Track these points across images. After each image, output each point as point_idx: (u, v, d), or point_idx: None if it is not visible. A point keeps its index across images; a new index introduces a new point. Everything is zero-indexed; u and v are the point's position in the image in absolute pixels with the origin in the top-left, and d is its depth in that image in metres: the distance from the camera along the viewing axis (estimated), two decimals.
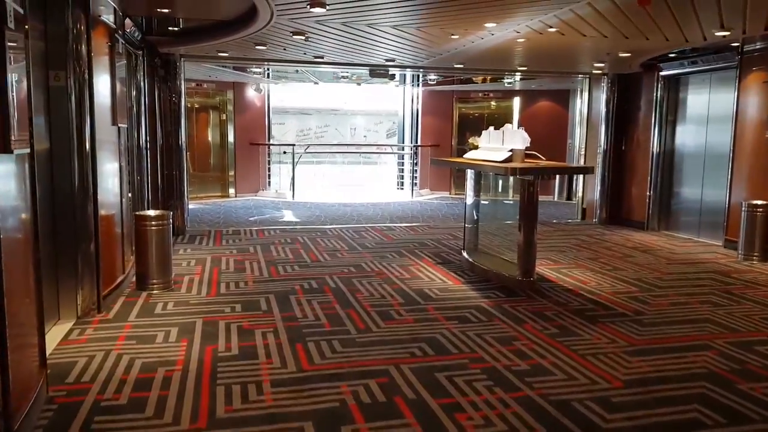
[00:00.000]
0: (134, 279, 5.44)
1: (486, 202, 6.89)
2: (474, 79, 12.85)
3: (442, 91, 13.83)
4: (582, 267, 6.52)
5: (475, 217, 6.75)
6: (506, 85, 12.49)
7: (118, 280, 5.21)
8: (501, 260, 6.17)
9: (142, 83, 7.39)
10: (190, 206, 11.21)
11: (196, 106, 12.57)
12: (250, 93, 12.90)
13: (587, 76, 10.04)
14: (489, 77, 12.77)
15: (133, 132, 7.22)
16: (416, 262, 6.64)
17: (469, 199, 6.73)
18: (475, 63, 8.60)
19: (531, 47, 7.05)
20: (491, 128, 6.46)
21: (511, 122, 13.94)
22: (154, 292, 5.26)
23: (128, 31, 6.45)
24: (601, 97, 9.78)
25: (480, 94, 13.97)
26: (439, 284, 5.65)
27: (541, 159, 5.93)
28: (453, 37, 6.31)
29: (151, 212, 5.42)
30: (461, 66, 8.70)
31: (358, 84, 12.40)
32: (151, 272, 5.28)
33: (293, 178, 12.60)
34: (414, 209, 11.52)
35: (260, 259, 6.68)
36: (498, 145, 6.02)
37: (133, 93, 7.28)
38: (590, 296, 5.30)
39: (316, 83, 12.36)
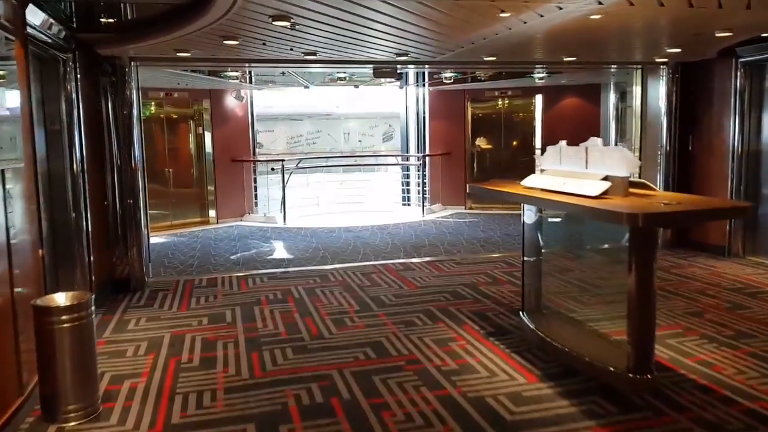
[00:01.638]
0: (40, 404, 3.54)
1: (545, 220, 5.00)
2: (483, 76, 10.98)
3: (452, 91, 11.96)
4: (691, 333, 4.65)
5: (538, 270, 4.83)
6: (537, 81, 10.59)
7: (12, 407, 3.31)
8: (589, 333, 4.30)
9: (73, 94, 5.50)
10: (161, 240, 9.33)
11: (172, 116, 10.64)
12: (231, 101, 10.98)
13: (639, 66, 8.18)
14: (504, 72, 10.93)
15: (59, 156, 5.40)
16: (457, 331, 4.76)
17: (528, 249, 4.81)
18: (511, 54, 6.73)
19: (594, 30, 5.20)
20: (562, 144, 4.62)
21: (533, 122, 12.11)
22: (70, 424, 3.36)
23: (44, 27, 4.58)
24: (660, 90, 7.93)
25: (496, 92, 12.10)
26: (506, 383, 3.77)
27: (653, 189, 4.04)
28: (502, 15, 4.44)
29: (61, 298, 3.50)
30: (492, 58, 6.82)
31: (356, 87, 10.51)
32: (63, 394, 3.38)
33: (284, 200, 10.69)
34: (429, 233, 9.64)
35: (239, 336, 4.78)
36: (578, 168, 4.16)
37: (63, 107, 5.44)
38: (747, 402, 3.44)
39: (306, 87, 10.45)
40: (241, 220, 11.08)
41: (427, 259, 7.61)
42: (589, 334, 4.35)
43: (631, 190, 3.83)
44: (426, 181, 11.67)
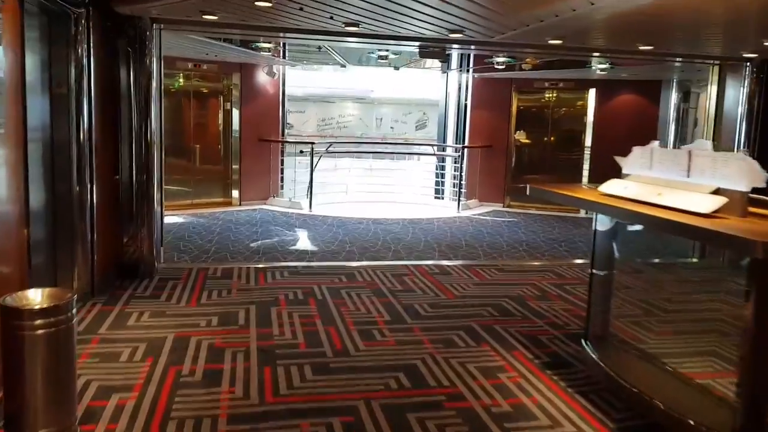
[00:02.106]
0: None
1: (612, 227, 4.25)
2: (525, 64, 10.11)
3: (498, 79, 11.12)
4: None
5: (608, 289, 4.07)
6: (598, 72, 9.66)
7: None
8: (669, 375, 3.55)
9: (84, 56, 4.89)
10: (179, 220, 8.76)
11: (200, 89, 10.04)
12: (262, 77, 10.32)
13: (716, 62, 7.28)
14: (559, 59, 10.06)
15: (66, 125, 4.83)
16: (506, 359, 4.04)
17: (599, 261, 4.05)
18: (579, 38, 5.90)
19: (672, 15, 4.38)
20: (654, 144, 3.86)
21: (584, 119, 11.22)
22: None
23: None
24: (740, 90, 7.02)
25: (546, 84, 11.22)
26: None
27: None
28: None
29: (37, 297, 2.87)
30: (558, 42, 5.99)
31: (396, 68, 9.73)
32: (32, 413, 2.77)
33: (311, 186, 10.03)
34: (466, 231, 8.89)
35: (251, 344, 4.13)
36: (677, 176, 3.37)
37: (72, 70, 4.84)
38: None
39: (343, 66, 9.71)
40: (265, 204, 10.47)
41: (465, 262, 6.88)
42: (669, 376, 3.60)
43: (753, 210, 3.03)
44: (463, 174, 10.88)
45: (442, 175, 12.36)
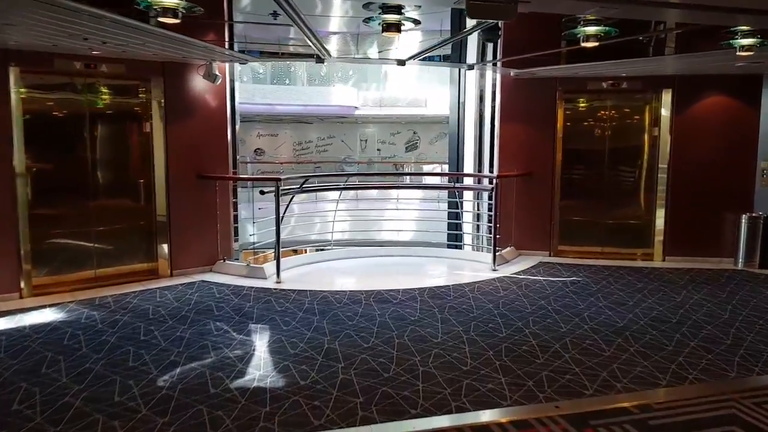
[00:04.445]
0: None
1: None
2: (583, 48, 6.98)
3: (536, 80, 7.96)
4: None
5: None
6: (740, 53, 6.36)
7: None
8: None
9: None
10: (58, 316, 5.16)
11: (103, 103, 6.65)
12: (198, 83, 7.01)
13: None
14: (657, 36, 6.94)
15: None
16: None
17: None
18: None
19: None
20: None
21: (656, 130, 8.07)
22: None
23: None
24: None
25: (604, 84, 8.06)
26: None
27: None
28: None
29: None
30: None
31: (402, 63, 6.41)
32: None
33: (278, 243, 6.66)
34: (519, 310, 5.58)
35: None
36: None
37: None
38: None
39: (320, 60, 6.34)
40: (210, 271, 7.09)
41: (567, 410, 3.56)
42: None
43: None
44: (495, 215, 7.60)
45: (458, 215, 9.09)
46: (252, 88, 17.28)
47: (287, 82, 18.45)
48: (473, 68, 7.18)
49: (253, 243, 7.94)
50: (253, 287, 6.41)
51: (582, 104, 8.37)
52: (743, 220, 7.64)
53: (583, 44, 5.56)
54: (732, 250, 7.80)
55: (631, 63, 6.90)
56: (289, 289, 6.31)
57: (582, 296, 6.18)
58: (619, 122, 8.33)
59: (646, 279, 6.98)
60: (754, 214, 7.61)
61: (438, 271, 7.45)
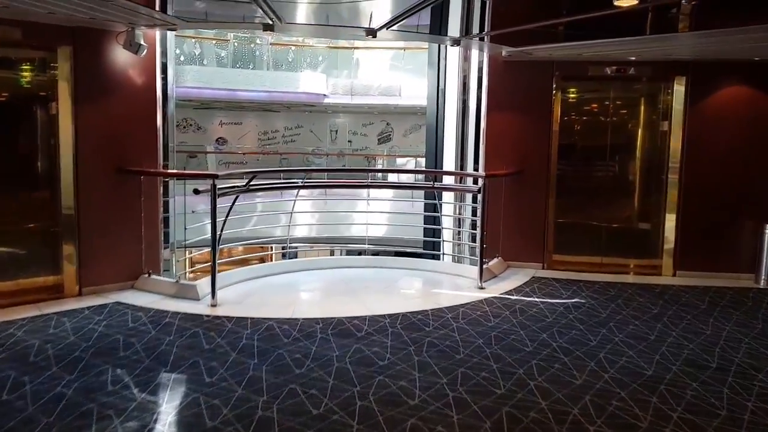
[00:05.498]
0: None
1: None
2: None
3: (530, 63, 6.75)
4: None
5: None
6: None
7: None
8: None
9: None
10: None
11: None
12: (120, 55, 5.60)
13: None
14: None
15: None
16: None
17: None
18: None
19: None
20: None
21: (666, 123, 6.95)
22: None
23: None
24: None
25: (609, 70, 6.88)
26: None
27: None
28: None
29: None
30: None
31: (372, 34, 5.08)
32: None
33: (214, 257, 5.31)
34: (518, 349, 4.36)
35: None
36: None
37: None
38: None
39: (269, 28, 4.97)
40: (131, 288, 5.72)
41: None
42: None
43: None
44: (482, 221, 6.36)
45: (435, 220, 7.85)
46: (212, 71, 15.78)
47: (252, 66, 16.95)
48: (458, 44, 5.93)
49: (186, 242, 6.58)
50: (179, 313, 5.06)
51: (583, 93, 7.20)
52: (767, 231, 6.58)
53: (617, 2, 4.35)
54: (752, 265, 6.73)
55: (646, 42, 5.71)
56: (225, 316, 4.98)
57: (591, 327, 5.00)
58: (624, 114, 7.20)
59: (660, 301, 5.85)
60: None
61: (414, 289, 6.21)
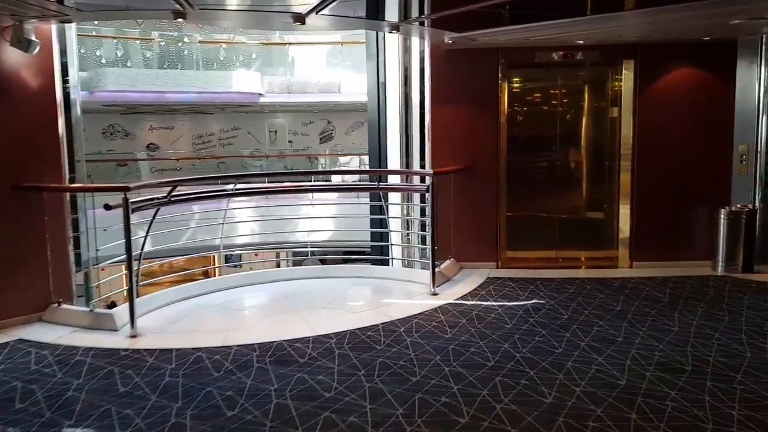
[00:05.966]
0: None
1: None
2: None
3: (475, 50, 6.36)
4: None
5: None
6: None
7: None
8: None
9: None
10: None
11: None
12: (8, 53, 4.83)
13: None
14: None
15: None
16: None
17: None
18: None
19: None
20: None
21: (616, 110, 6.71)
22: None
23: None
24: None
25: (555, 56, 6.56)
26: None
27: None
28: None
29: None
30: None
31: (300, 20, 4.51)
32: None
33: (132, 281, 4.64)
34: (478, 374, 3.91)
35: None
36: None
37: None
38: None
39: (181, 15, 4.33)
40: (40, 320, 4.97)
41: None
42: None
43: None
44: (432, 222, 5.90)
45: (382, 222, 7.37)
46: (136, 73, 14.76)
47: (180, 67, 16.00)
48: (397, 30, 5.45)
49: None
50: (93, 348, 4.37)
51: (530, 81, 6.87)
52: (722, 216, 6.41)
53: None
54: (708, 252, 6.56)
55: (593, 22, 5.38)
56: (145, 349, 4.32)
57: (554, 332, 4.62)
58: (573, 101, 6.92)
59: (621, 297, 5.56)
60: (734, 208, 6.39)
61: (363, 301, 5.69)
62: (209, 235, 10.87)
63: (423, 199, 6.58)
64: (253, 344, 4.32)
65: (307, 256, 13.72)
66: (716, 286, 5.89)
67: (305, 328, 4.63)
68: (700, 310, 5.12)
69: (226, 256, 14.06)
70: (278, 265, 12.62)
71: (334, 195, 8.91)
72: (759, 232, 6.36)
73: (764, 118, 6.39)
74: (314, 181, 11.08)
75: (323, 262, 13.89)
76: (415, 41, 6.72)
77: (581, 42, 6.28)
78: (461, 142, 6.60)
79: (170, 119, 17.81)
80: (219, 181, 8.63)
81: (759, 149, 6.42)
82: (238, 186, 6.26)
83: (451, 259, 6.56)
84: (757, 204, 6.40)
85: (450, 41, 6.03)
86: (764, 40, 6.18)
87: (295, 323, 4.79)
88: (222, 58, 16.40)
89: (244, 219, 10.32)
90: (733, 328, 4.66)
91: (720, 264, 6.43)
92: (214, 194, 6.05)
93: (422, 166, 6.77)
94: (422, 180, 6.60)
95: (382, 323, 4.79)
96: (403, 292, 5.86)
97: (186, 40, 15.87)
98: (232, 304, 5.47)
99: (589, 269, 6.73)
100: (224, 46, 16.09)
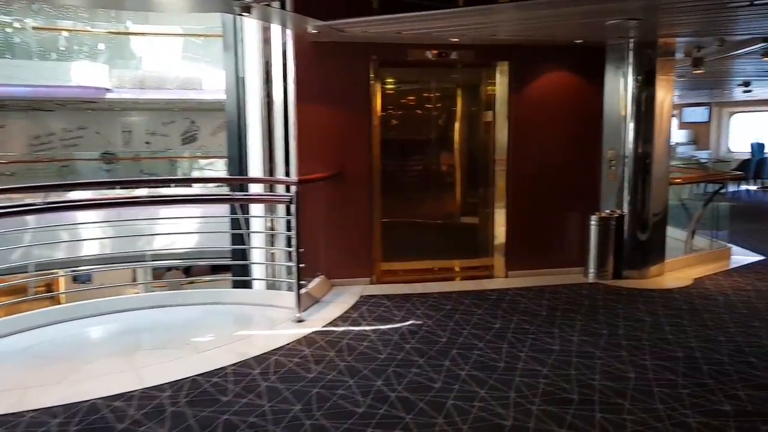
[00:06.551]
0: None
1: None
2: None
3: (345, 45, 5.74)
4: None
5: None
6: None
7: None
8: None
9: None
10: None
11: None
12: None
13: None
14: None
15: None
16: None
17: None
18: None
19: None
20: None
21: (490, 113, 6.43)
22: None
23: None
24: None
25: (430, 54, 6.11)
26: None
27: None
28: None
29: None
30: None
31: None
32: None
33: None
34: (346, 429, 3.31)
35: None
36: None
37: None
38: None
39: None
40: None
41: None
42: None
43: None
44: (297, 236, 5.17)
45: (242, 237, 6.52)
46: None
47: (10, 56, 13.83)
48: (248, 11, 4.65)
49: None
50: None
51: (404, 80, 6.40)
52: (592, 222, 6.32)
53: None
54: (580, 258, 6.47)
55: (465, 15, 4.97)
56: None
57: (432, 360, 4.11)
58: (448, 103, 6.57)
59: (498, 312, 5.22)
60: (603, 214, 6.33)
61: (212, 334, 4.81)
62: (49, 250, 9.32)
63: (289, 211, 5.84)
64: (55, 407, 3.32)
65: (166, 271, 12.32)
66: (589, 295, 5.76)
67: (131, 379, 3.70)
68: (578, 324, 4.88)
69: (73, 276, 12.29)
70: (134, 280, 11.23)
71: (186, 207, 7.84)
72: (627, 238, 6.36)
73: (631, 124, 6.40)
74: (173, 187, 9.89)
75: (187, 272, 12.60)
76: (276, 31, 5.96)
77: (456, 40, 5.88)
78: (331, 146, 5.96)
79: (1, 117, 15.47)
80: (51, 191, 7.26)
81: (626, 155, 6.43)
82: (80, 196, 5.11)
83: (322, 277, 5.89)
84: (625, 210, 6.40)
85: (315, 30, 5.35)
86: (630, 45, 6.17)
87: (118, 372, 3.83)
88: (62, 48, 14.41)
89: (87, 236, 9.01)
90: (613, 344, 4.44)
91: (591, 271, 6.34)
92: (22, 210, 4.81)
93: (287, 173, 6.03)
94: (287, 189, 5.86)
95: (233, 364, 3.99)
96: (265, 319, 5.08)
97: (16, 25, 13.75)
98: (41, 348, 4.35)
99: (466, 280, 6.38)
100: (65, 34, 14.12)
